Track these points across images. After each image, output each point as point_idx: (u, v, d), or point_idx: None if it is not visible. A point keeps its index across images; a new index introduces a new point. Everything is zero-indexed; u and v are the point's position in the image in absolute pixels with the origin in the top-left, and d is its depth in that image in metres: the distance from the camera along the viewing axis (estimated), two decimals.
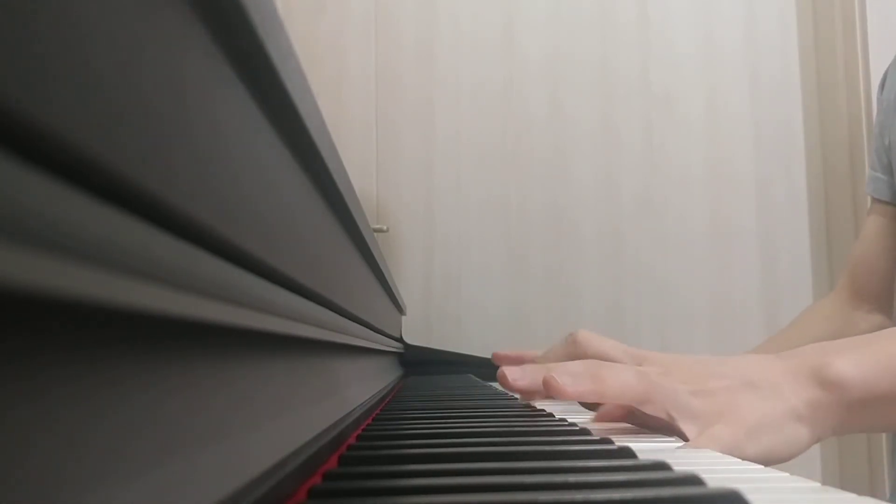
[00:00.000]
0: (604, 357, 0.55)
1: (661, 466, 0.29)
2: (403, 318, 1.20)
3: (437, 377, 1.11)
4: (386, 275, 0.71)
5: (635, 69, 1.40)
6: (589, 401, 0.44)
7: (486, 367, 1.11)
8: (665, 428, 0.43)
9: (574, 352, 0.59)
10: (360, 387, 0.53)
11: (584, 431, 0.40)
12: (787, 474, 0.30)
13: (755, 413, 0.42)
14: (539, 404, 0.63)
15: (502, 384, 0.50)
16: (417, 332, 1.29)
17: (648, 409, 0.43)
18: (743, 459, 0.34)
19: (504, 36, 1.40)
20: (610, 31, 1.40)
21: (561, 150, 1.39)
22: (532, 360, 0.78)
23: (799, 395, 0.43)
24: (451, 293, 1.35)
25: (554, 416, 0.49)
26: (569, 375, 0.44)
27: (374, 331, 0.66)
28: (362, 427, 0.44)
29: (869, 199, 0.87)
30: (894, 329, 0.50)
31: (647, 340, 1.33)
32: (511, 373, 0.50)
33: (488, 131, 1.38)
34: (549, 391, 0.44)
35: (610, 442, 0.35)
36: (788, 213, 1.39)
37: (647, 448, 0.38)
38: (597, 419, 0.50)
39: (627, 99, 1.40)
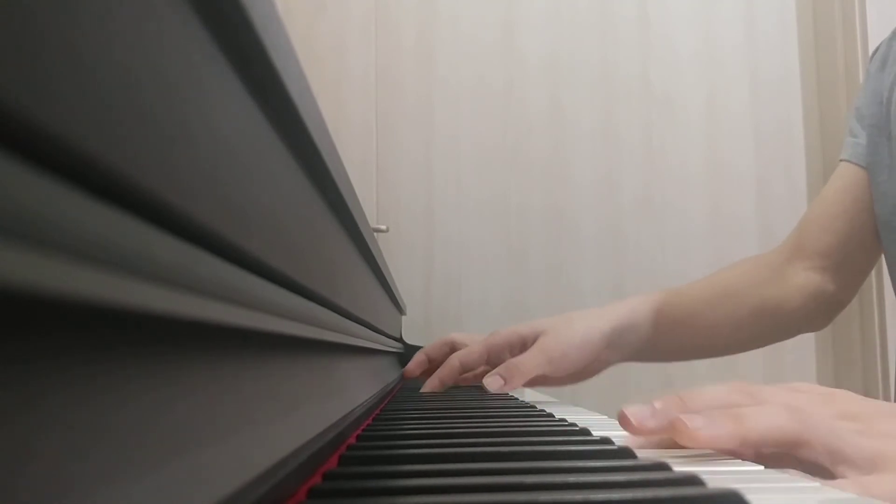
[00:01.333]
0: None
1: (661, 467, 0.29)
2: (403, 318, 1.20)
3: None
4: (386, 275, 0.71)
5: (635, 69, 1.40)
6: (728, 446, 0.34)
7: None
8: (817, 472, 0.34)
9: None
10: (360, 387, 0.53)
11: (585, 431, 0.40)
12: (787, 474, 0.30)
13: None
14: (539, 404, 0.63)
15: (625, 428, 0.39)
16: (417, 332, 1.29)
17: (803, 452, 0.34)
18: None
19: (504, 36, 1.40)
20: (610, 31, 1.40)
21: (561, 150, 1.39)
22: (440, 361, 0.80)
23: None
24: (451, 293, 1.35)
25: (554, 416, 0.49)
26: (701, 417, 0.35)
27: (374, 331, 0.66)
28: (362, 427, 0.44)
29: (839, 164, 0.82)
30: None
31: None
32: (635, 416, 0.38)
33: (488, 132, 1.38)
34: (677, 435, 0.35)
35: (610, 442, 0.35)
36: (788, 213, 1.39)
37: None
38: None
39: (627, 99, 1.40)
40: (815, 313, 0.81)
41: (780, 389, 0.39)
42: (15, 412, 0.11)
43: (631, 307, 0.79)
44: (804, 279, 0.80)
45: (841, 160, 0.81)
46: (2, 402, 0.11)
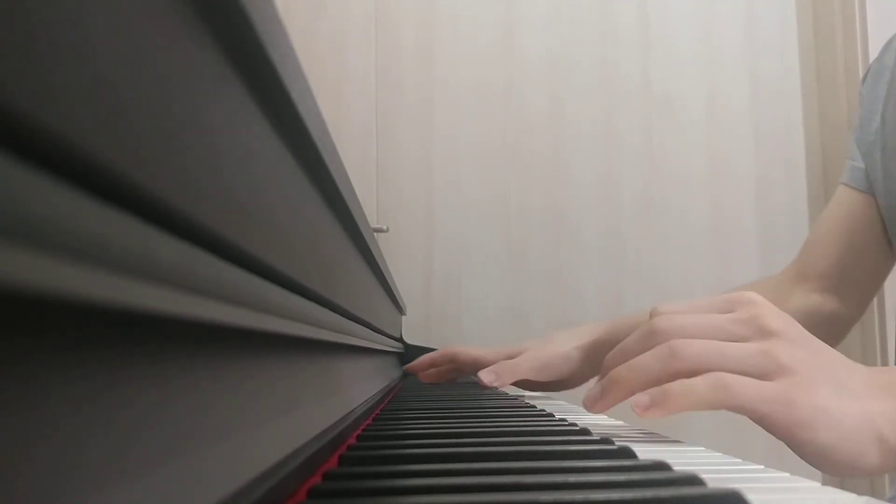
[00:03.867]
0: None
1: (662, 466, 0.29)
2: (403, 318, 1.20)
3: None
4: (386, 275, 0.71)
5: (635, 69, 1.40)
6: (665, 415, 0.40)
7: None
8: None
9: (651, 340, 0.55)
10: (360, 387, 0.53)
11: (585, 431, 0.40)
12: (787, 474, 0.30)
13: (829, 401, 0.38)
14: (539, 404, 0.63)
15: (588, 410, 0.46)
16: (417, 332, 1.29)
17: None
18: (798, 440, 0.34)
19: (504, 36, 1.40)
20: (610, 31, 1.40)
21: (561, 150, 1.39)
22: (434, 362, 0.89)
23: (887, 417, 0.39)
24: (451, 293, 1.35)
25: (554, 416, 0.49)
26: (647, 395, 0.41)
27: (374, 331, 0.66)
28: (362, 427, 0.44)
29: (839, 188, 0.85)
30: None
31: None
32: (590, 398, 0.45)
33: (488, 132, 1.38)
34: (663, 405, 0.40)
35: (610, 442, 0.35)
36: (788, 213, 1.39)
37: (647, 448, 0.38)
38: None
39: (627, 99, 1.40)
40: (818, 333, 0.80)
41: (706, 344, 0.42)
42: (15, 412, 0.11)
43: (615, 323, 0.82)
44: (804, 301, 0.82)
45: (841, 183, 0.84)
46: (2, 402, 0.11)
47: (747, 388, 0.39)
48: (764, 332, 0.41)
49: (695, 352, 0.41)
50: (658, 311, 0.47)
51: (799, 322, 0.43)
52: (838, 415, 0.38)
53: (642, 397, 0.41)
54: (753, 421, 0.39)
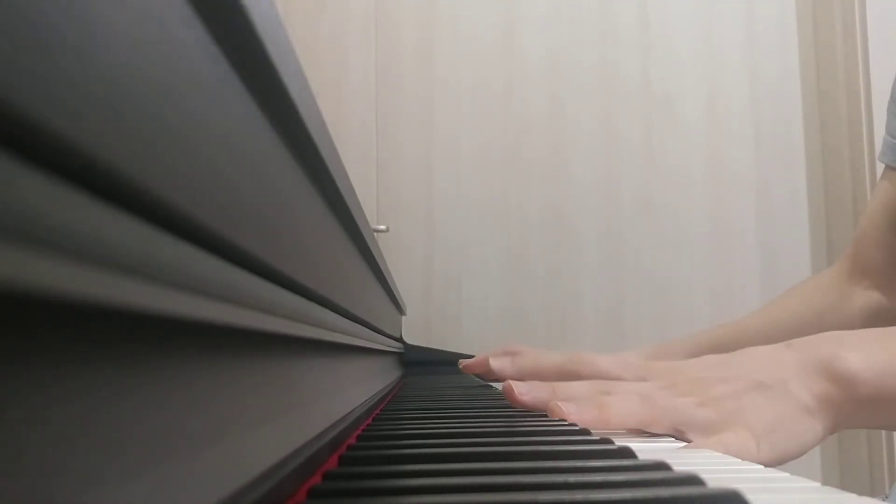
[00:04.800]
0: (604, 376, 0.54)
1: (661, 466, 0.29)
2: (403, 318, 1.20)
3: (437, 377, 1.11)
4: (386, 275, 0.71)
5: (635, 70, 1.40)
6: (593, 428, 0.42)
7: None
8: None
9: (570, 371, 0.58)
10: (360, 387, 0.53)
11: (584, 431, 0.40)
12: (787, 474, 0.30)
13: (765, 416, 0.41)
14: None
15: (508, 397, 0.50)
16: (417, 332, 1.29)
17: (656, 430, 0.42)
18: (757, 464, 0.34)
19: (504, 37, 1.40)
20: (610, 32, 1.40)
21: (560, 150, 1.39)
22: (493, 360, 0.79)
23: (809, 389, 0.42)
24: (450, 293, 1.35)
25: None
26: (574, 402, 0.44)
27: (374, 331, 0.66)
28: (362, 427, 0.44)
29: (882, 169, 0.78)
30: None
31: (647, 341, 1.33)
32: (518, 387, 0.50)
33: (488, 132, 1.38)
34: (553, 416, 0.44)
35: (610, 442, 0.35)
36: (788, 213, 1.40)
37: (647, 448, 0.38)
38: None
39: (627, 100, 1.40)
40: None
41: (631, 384, 0.49)
42: (15, 412, 0.11)
43: (690, 347, 0.78)
44: (865, 300, 0.77)
45: (885, 167, 0.78)
46: (2, 402, 0.11)
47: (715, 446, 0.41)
48: (685, 392, 0.44)
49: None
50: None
51: (864, 324, 0.45)
52: (779, 420, 0.41)
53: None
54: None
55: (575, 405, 0.44)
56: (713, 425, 0.41)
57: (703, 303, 1.36)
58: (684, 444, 0.40)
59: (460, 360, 0.84)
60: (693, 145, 1.39)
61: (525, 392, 0.50)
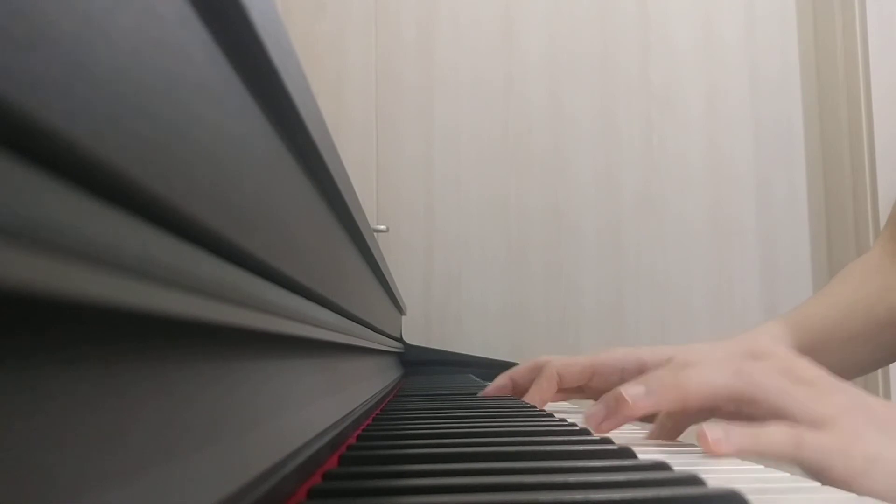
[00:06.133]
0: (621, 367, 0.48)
1: (661, 466, 0.29)
2: (403, 318, 1.20)
3: (437, 377, 1.11)
4: (386, 275, 0.71)
5: (635, 66, 1.40)
6: (672, 409, 0.36)
7: (486, 367, 1.11)
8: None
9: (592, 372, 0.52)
10: (360, 387, 0.53)
11: (584, 431, 0.40)
12: (788, 474, 0.30)
13: (878, 446, 0.36)
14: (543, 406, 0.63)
15: (704, 448, 0.39)
16: (417, 332, 1.29)
17: (749, 408, 0.37)
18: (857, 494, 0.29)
19: (504, 35, 1.40)
20: (610, 27, 1.40)
21: (561, 148, 1.39)
22: (517, 380, 0.73)
23: None
24: (451, 293, 1.35)
25: (554, 417, 0.49)
26: (643, 386, 0.38)
27: (374, 331, 0.66)
28: (362, 427, 0.44)
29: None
30: None
31: (647, 339, 1.33)
32: (591, 418, 0.42)
33: (488, 131, 1.38)
34: (622, 410, 0.38)
35: (610, 442, 0.35)
36: (788, 205, 1.40)
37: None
38: (650, 437, 0.43)
39: (627, 96, 1.40)
40: None
41: (733, 360, 0.40)
42: (15, 412, 0.11)
43: (768, 340, 0.71)
44: None
45: None
46: (2, 402, 0.11)
47: (814, 440, 0.36)
48: (801, 382, 0.38)
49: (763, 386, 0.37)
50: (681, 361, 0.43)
51: None
52: (890, 463, 0.36)
53: (715, 431, 0.36)
54: (806, 472, 0.36)
55: (643, 386, 0.37)
56: (824, 424, 0.36)
57: (703, 298, 1.36)
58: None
59: (479, 394, 0.76)
60: (693, 141, 1.40)
61: (600, 419, 0.41)
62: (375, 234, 1.20)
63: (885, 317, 0.73)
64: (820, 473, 0.36)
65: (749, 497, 0.23)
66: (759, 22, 1.42)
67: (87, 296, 0.12)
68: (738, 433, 0.36)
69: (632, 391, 0.38)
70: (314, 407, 0.34)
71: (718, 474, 0.28)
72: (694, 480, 0.26)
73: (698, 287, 1.36)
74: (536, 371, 0.69)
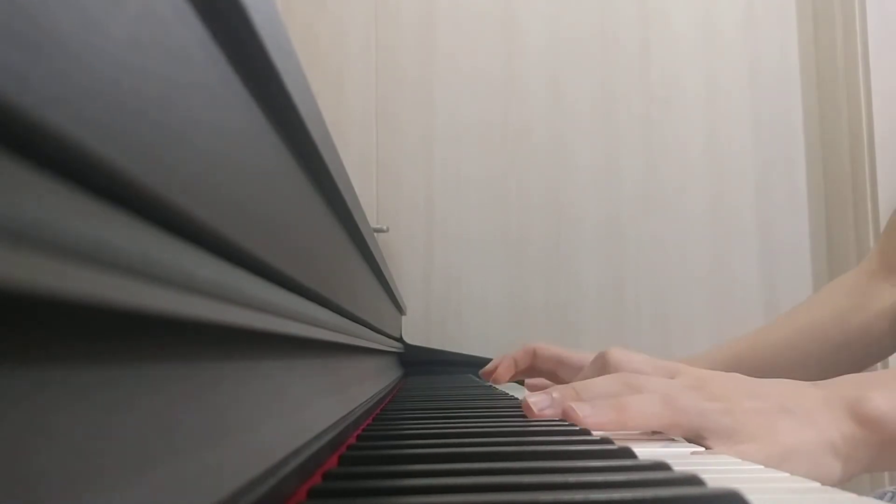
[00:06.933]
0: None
1: (661, 466, 0.29)
2: (403, 317, 1.20)
3: (437, 377, 1.11)
4: (386, 275, 0.71)
5: (636, 58, 1.40)
6: (611, 430, 0.41)
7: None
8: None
9: (604, 371, 0.56)
10: (360, 387, 0.53)
11: (584, 431, 0.40)
12: (787, 474, 0.30)
13: (789, 439, 0.40)
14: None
15: (528, 415, 0.46)
16: (417, 331, 1.29)
17: (675, 433, 0.41)
18: None
19: (504, 31, 1.40)
20: (610, 20, 1.41)
21: (561, 143, 1.39)
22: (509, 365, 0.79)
23: (838, 428, 0.41)
24: (451, 293, 1.35)
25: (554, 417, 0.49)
26: (589, 405, 0.42)
27: (374, 331, 0.66)
28: (362, 427, 0.44)
29: None
30: None
31: (648, 334, 1.34)
32: (537, 403, 0.46)
33: (488, 129, 1.38)
34: (568, 420, 0.42)
35: (610, 442, 0.35)
36: (787, 199, 1.40)
37: (659, 453, 0.38)
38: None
39: (628, 89, 1.40)
40: None
41: (658, 379, 0.45)
42: (15, 412, 0.11)
43: (718, 358, 0.78)
44: (890, 299, 0.75)
45: None
46: (2, 402, 0.11)
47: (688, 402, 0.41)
48: (714, 398, 0.42)
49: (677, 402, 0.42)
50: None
51: (892, 323, 0.42)
52: (806, 453, 0.40)
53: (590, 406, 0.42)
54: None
55: (591, 407, 0.42)
56: (736, 435, 0.40)
57: (702, 292, 1.36)
58: (702, 449, 0.39)
59: (481, 371, 0.84)
60: (693, 132, 1.40)
61: (546, 406, 0.46)
62: (375, 234, 1.20)
63: (840, 340, 0.75)
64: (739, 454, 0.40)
65: (749, 497, 0.23)
66: (758, 16, 1.42)
67: (87, 296, 0.12)
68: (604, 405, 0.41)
69: (580, 409, 0.42)
70: (314, 407, 0.34)
71: (718, 474, 0.28)
72: (694, 480, 0.26)
73: (699, 278, 1.37)
74: (530, 355, 0.80)
